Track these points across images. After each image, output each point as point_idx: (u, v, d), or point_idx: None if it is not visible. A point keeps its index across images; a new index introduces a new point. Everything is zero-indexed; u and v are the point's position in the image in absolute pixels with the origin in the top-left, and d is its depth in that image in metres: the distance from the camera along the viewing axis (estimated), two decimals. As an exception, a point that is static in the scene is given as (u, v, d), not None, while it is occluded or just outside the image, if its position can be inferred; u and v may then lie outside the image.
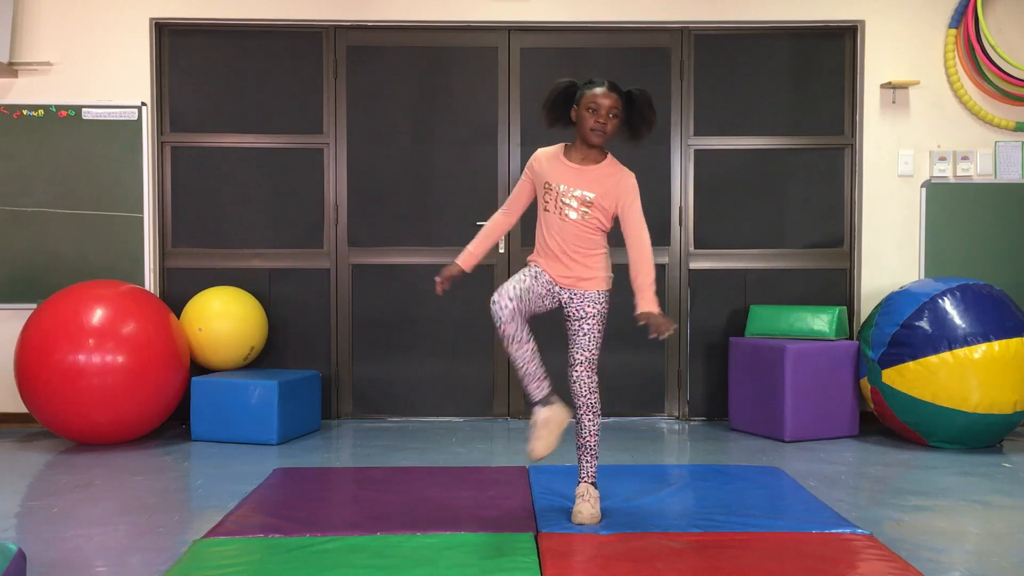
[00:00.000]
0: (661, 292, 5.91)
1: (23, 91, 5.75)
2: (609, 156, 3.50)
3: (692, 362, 5.97)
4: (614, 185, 3.44)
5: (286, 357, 5.92)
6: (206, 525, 3.55)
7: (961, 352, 4.94)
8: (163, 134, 5.86)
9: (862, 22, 5.82)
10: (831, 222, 5.96)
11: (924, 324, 5.05)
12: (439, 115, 5.94)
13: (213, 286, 5.70)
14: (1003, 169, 5.84)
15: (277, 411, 5.22)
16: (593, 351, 3.47)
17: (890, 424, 5.30)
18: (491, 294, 6.11)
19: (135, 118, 5.73)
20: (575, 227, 3.43)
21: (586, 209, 3.42)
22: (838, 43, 5.92)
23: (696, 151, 5.94)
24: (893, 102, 5.83)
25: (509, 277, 3.52)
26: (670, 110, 5.91)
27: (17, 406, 5.56)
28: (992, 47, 5.72)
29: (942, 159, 5.83)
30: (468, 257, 3.54)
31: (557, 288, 3.47)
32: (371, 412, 5.98)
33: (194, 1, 5.77)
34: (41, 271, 5.72)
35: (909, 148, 5.85)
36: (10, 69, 5.68)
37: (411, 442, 5.32)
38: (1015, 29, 5.82)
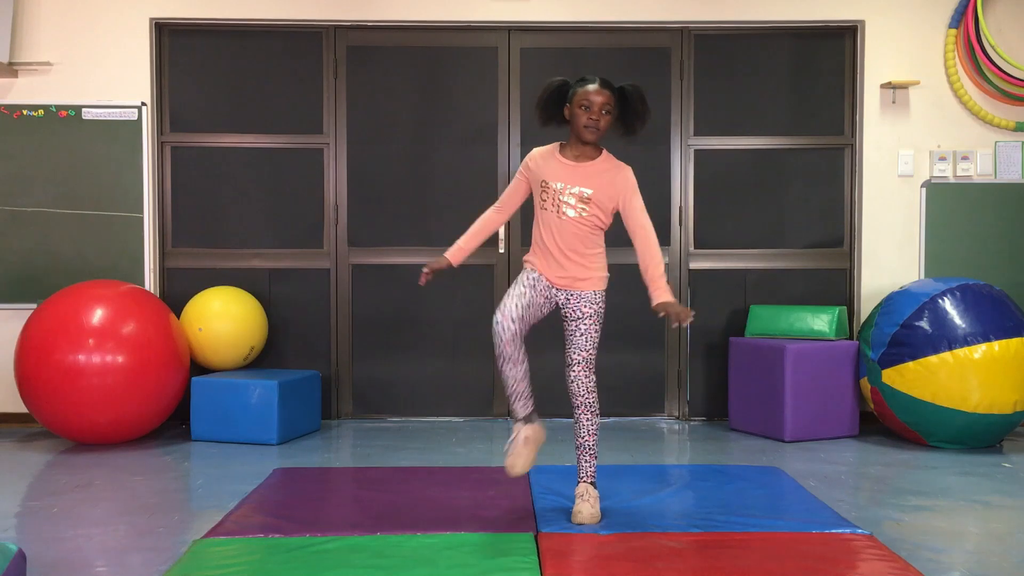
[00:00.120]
0: (661, 292, 5.92)
1: (23, 91, 5.75)
2: (604, 152, 3.50)
3: (692, 362, 5.97)
4: (611, 180, 3.45)
5: (286, 357, 5.92)
6: (206, 525, 3.55)
7: (961, 352, 4.94)
8: (163, 134, 5.86)
9: (862, 22, 5.82)
10: (831, 222, 5.96)
11: (924, 324, 5.05)
12: (439, 115, 5.94)
13: (213, 286, 5.70)
14: (1003, 169, 5.85)
15: (277, 411, 5.22)
16: (591, 351, 3.47)
17: (890, 424, 5.30)
18: (491, 294, 6.14)
19: (135, 118, 5.73)
20: (573, 225, 3.43)
21: (584, 206, 3.42)
22: (838, 43, 5.92)
23: (696, 151, 5.94)
24: (893, 102, 5.83)
25: (509, 278, 3.53)
26: (670, 110, 5.92)
27: (17, 406, 5.56)
28: (992, 47, 5.72)
29: (942, 159, 5.83)
30: (457, 252, 3.54)
31: (554, 290, 3.48)
32: (371, 412, 5.99)
33: (194, 1, 5.77)
34: (41, 271, 5.72)
35: (909, 148, 5.85)
36: (10, 69, 5.68)
37: (411, 442, 5.32)
38: (1015, 29, 5.82)
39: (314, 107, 5.90)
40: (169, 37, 5.85)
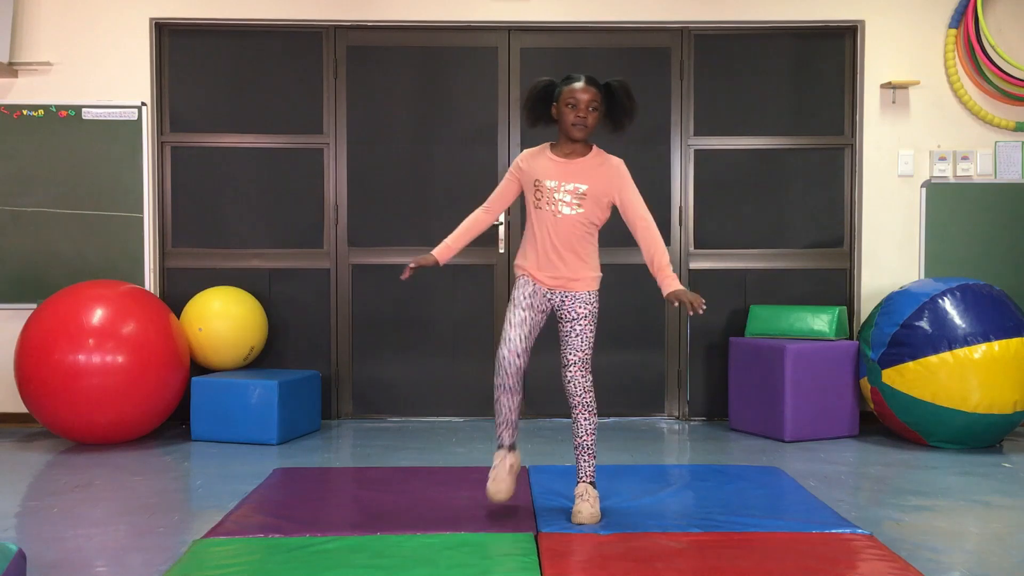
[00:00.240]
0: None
1: (23, 91, 5.75)
2: (594, 148, 3.52)
3: (692, 362, 5.97)
4: (604, 174, 3.47)
5: (286, 357, 5.92)
6: (206, 525, 3.55)
7: (961, 352, 4.94)
8: (163, 134, 5.86)
9: (862, 22, 5.82)
10: (831, 222, 5.96)
11: (924, 324, 5.05)
12: (439, 115, 5.94)
13: (213, 286, 5.70)
14: (1003, 169, 5.85)
15: (277, 411, 5.22)
16: (587, 351, 3.48)
17: (890, 424, 5.30)
18: (491, 294, 6.13)
19: (135, 118, 5.73)
20: (569, 223, 3.43)
21: (579, 203, 3.42)
22: (838, 43, 5.92)
23: (696, 151, 5.94)
24: (893, 102, 5.83)
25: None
26: (670, 110, 5.92)
27: (17, 406, 5.56)
28: (992, 47, 5.72)
29: (942, 159, 5.83)
30: (445, 251, 3.55)
31: (548, 294, 3.48)
32: (371, 412, 5.99)
33: (194, 1, 5.78)
34: (41, 271, 5.72)
35: (909, 148, 5.85)
36: (10, 69, 5.68)
37: (411, 442, 5.32)
38: (1015, 29, 5.82)
39: (314, 107, 5.90)
40: (169, 37, 5.85)
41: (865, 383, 5.31)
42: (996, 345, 4.95)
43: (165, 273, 5.87)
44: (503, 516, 3.55)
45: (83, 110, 5.72)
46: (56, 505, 4.01)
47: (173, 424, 5.65)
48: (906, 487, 4.36)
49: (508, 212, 5.66)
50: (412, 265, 3.49)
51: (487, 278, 5.84)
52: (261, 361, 5.86)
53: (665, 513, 3.61)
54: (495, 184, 5.80)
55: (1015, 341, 4.98)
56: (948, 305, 5.08)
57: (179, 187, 5.89)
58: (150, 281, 5.76)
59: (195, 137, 5.89)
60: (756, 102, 5.94)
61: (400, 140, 5.94)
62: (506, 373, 3.45)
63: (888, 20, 5.82)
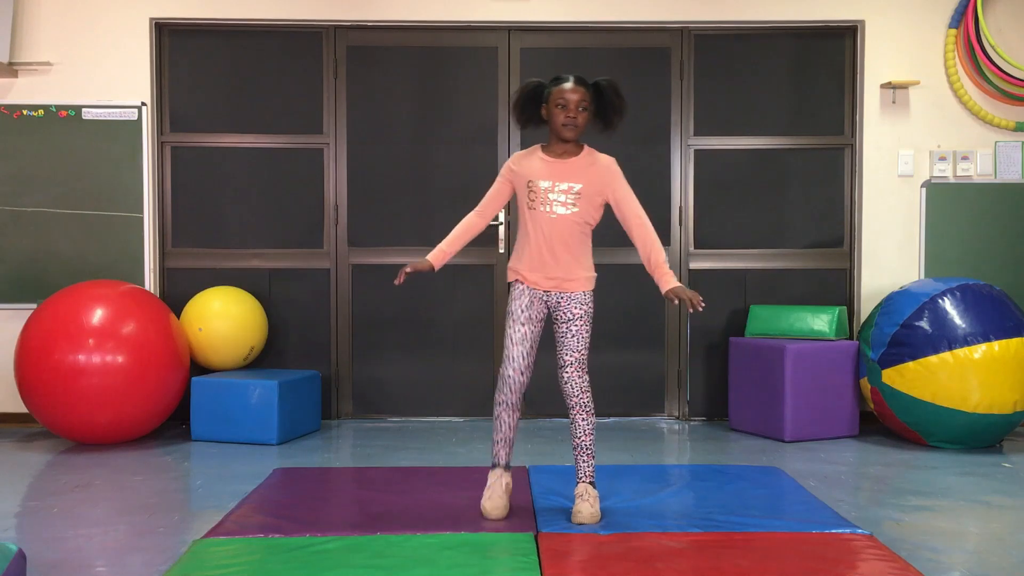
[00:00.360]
0: (661, 292, 5.92)
1: (23, 91, 5.75)
2: (586, 147, 3.53)
3: (692, 362, 5.97)
4: (597, 173, 3.48)
5: (286, 357, 5.92)
6: (206, 525, 3.55)
7: (961, 352, 4.94)
8: (163, 134, 5.86)
9: (862, 22, 5.82)
10: (831, 222, 5.96)
11: (924, 324, 5.05)
12: (439, 115, 5.94)
13: (213, 286, 5.70)
14: (1003, 169, 5.85)
15: (277, 411, 5.22)
16: (583, 351, 3.48)
17: (890, 424, 5.30)
18: (491, 294, 6.13)
19: (135, 118, 5.73)
20: (564, 223, 3.44)
21: (574, 203, 3.43)
22: (838, 43, 5.92)
23: (696, 151, 5.94)
24: (893, 102, 5.83)
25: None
26: (670, 110, 5.92)
27: (17, 406, 5.56)
28: (992, 47, 5.72)
29: (942, 159, 5.83)
30: (440, 256, 3.53)
31: (544, 297, 3.49)
32: (371, 412, 5.99)
33: (194, 1, 5.78)
34: (41, 271, 5.72)
35: (909, 148, 5.85)
36: (10, 69, 5.68)
37: (411, 442, 5.32)
38: (1015, 29, 5.82)
39: (314, 107, 5.90)
40: (169, 37, 5.85)
41: (865, 383, 5.31)
42: (996, 345, 4.95)
43: (165, 273, 5.87)
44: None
45: (83, 110, 5.72)
46: (56, 505, 4.02)
47: (173, 424, 5.65)
48: (906, 487, 4.36)
49: (508, 211, 5.66)
50: (408, 270, 3.48)
51: (487, 278, 5.84)
52: (261, 361, 5.86)
53: (665, 513, 3.61)
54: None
55: (1015, 341, 4.98)
56: (948, 305, 5.08)
57: (179, 187, 5.89)
58: (150, 281, 5.76)
59: (195, 137, 5.89)
60: (756, 102, 5.94)
61: (400, 140, 5.94)
62: (510, 390, 3.50)
63: (888, 20, 5.82)
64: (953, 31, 5.77)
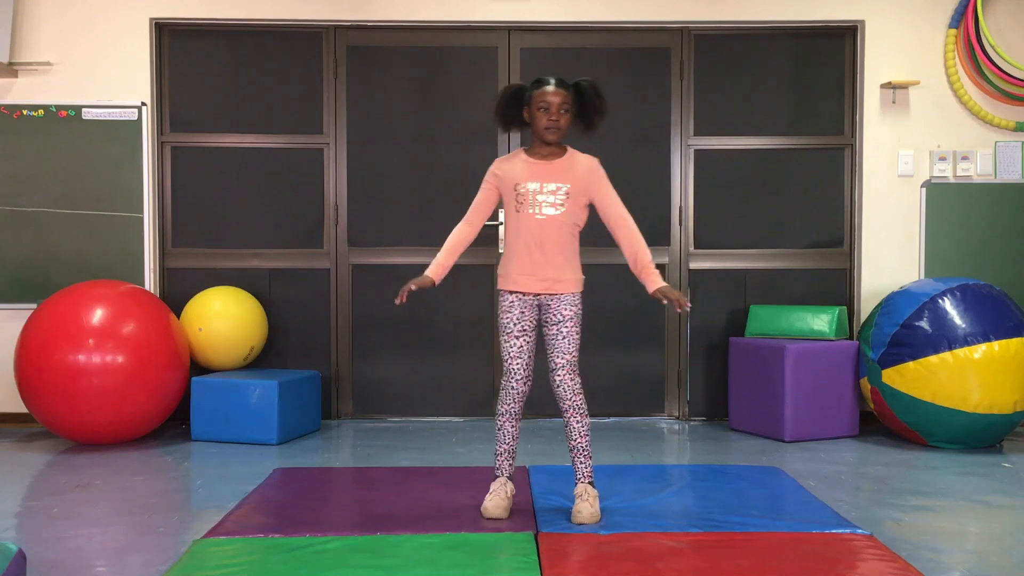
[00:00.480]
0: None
1: (23, 91, 5.75)
2: (569, 148, 3.54)
3: (692, 362, 5.97)
4: (582, 173, 3.49)
5: (286, 357, 5.92)
6: (206, 525, 3.55)
7: (961, 352, 4.94)
8: (163, 134, 5.86)
9: (862, 22, 5.82)
10: (831, 222, 5.96)
11: (924, 324, 5.05)
12: (439, 115, 5.94)
13: (213, 286, 5.70)
14: (1003, 169, 5.85)
15: (277, 411, 5.22)
16: (573, 353, 3.49)
17: (890, 424, 5.30)
18: (491, 294, 6.13)
19: (135, 118, 5.73)
20: (552, 224, 3.45)
21: (562, 203, 3.44)
22: (838, 43, 5.92)
23: (696, 151, 5.94)
24: (893, 102, 5.83)
25: None
26: (670, 110, 5.92)
27: (17, 406, 5.56)
28: (992, 47, 5.72)
29: (942, 159, 5.83)
30: (439, 270, 3.53)
31: (534, 300, 3.49)
32: (371, 412, 5.99)
33: (194, 1, 5.78)
34: (41, 271, 5.72)
35: (909, 148, 5.85)
36: (10, 69, 5.68)
37: (411, 442, 5.32)
38: (1015, 29, 5.82)
39: (314, 107, 5.90)
40: (169, 37, 5.85)
41: (865, 383, 5.31)
42: (996, 345, 4.94)
43: (165, 273, 5.87)
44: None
45: (83, 110, 5.72)
46: (56, 505, 4.01)
47: (173, 424, 5.65)
48: (906, 487, 4.36)
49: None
50: (412, 287, 3.46)
51: (487, 278, 5.84)
52: (261, 361, 5.86)
53: (665, 513, 3.61)
54: (495, 184, 5.83)
55: (1015, 341, 4.98)
56: (948, 305, 5.08)
57: (179, 187, 5.89)
58: (150, 281, 5.76)
59: (195, 137, 5.89)
60: (756, 102, 5.94)
61: (400, 140, 5.94)
62: (513, 400, 3.53)
63: (888, 20, 5.82)
64: (953, 31, 5.77)
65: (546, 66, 5.71)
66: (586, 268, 5.77)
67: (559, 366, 3.48)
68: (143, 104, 5.74)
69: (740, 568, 3.00)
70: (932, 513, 3.91)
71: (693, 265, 5.94)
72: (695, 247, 5.94)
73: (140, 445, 5.23)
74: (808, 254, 5.96)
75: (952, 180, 5.85)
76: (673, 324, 5.96)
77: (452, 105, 5.94)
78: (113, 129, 5.73)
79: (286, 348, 5.93)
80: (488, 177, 3.57)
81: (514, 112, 3.52)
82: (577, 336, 3.50)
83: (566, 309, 3.48)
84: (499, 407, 3.57)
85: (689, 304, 3.42)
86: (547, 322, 3.51)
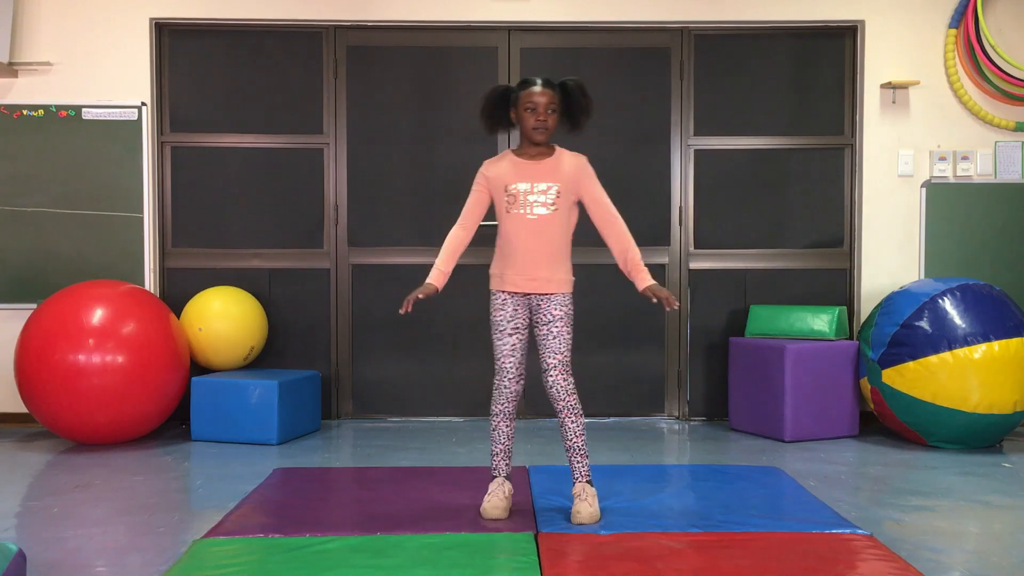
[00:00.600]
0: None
1: (23, 91, 5.75)
2: (557, 147, 3.55)
3: (692, 362, 5.97)
4: (571, 171, 3.50)
5: (286, 357, 5.92)
6: (206, 525, 3.56)
7: (961, 352, 4.94)
8: (163, 134, 5.86)
9: (862, 22, 5.82)
10: (831, 222, 5.96)
11: (924, 324, 5.05)
12: (439, 115, 5.94)
13: (213, 286, 5.70)
14: (1003, 169, 5.85)
15: (277, 411, 5.22)
16: (566, 353, 3.49)
17: (890, 424, 5.30)
18: (491, 293, 6.10)
19: (135, 118, 5.73)
20: (544, 223, 3.46)
21: (553, 203, 3.45)
22: (838, 43, 5.92)
23: (696, 151, 5.94)
24: (893, 102, 5.83)
25: None
26: (670, 110, 5.92)
27: (17, 406, 5.56)
28: (992, 47, 5.72)
29: (942, 159, 5.83)
30: (441, 276, 3.54)
31: (526, 300, 3.50)
32: (371, 412, 5.99)
33: (194, 1, 5.78)
34: (41, 271, 5.72)
35: (909, 148, 5.85)
36: (10, 69, 5.68)
37: (411, 442, 5.32)
38: (1015, 29, 5.82)
39: (314, 107, 5.90)
40: (169, 37, 5.85)
41: (865, 383, 5.31)
42: (996, 345, 4.94)
43: (165, 273, 5.87)
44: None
45: (83, 110, 5.72)
46: (56, 505, 4.02)
47: (173, 424, 5.65)
48: (906, 487, 4.36)
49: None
50: (420, 295, 3.46)
51: (487, 278, 5.83)
52: (261, 361, 5.86)
53: (665, 513, 3.61)
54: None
55: (1015, 341, 4.98)
56: (948, 305, 5.08)
57: (179, 187, 5.89)
58: (150, 281, 5.76)
59: (195, 137, 5.89)
60: (756, 102, 5.94)
61: (400, 140, 5.94)
62: (506, 400, 3.55)
63: (888, 20, 5.82)
64: (953, 31, 5.77)
65: (546, 66, 5.72)
66: (585, 268, 5.78)
67: (551, 366, 3.48)
68: (143, 104, 5.74)
69: (740, 568, 3.01)
70: (932, 513, 3.91)
71: (693, 265, 5.94)
72: (695, 247, 5.94)
73: (140, 445, 5.23)
74: (808, 254, 5.96)
75: (952, 180, 5.85)
76: (673, 324, 5.96)
77: (452, 105, 5.93)
78: (113, 129, 5.73)
79: (286, 348, 5.93)
80: (478, 179, 3.57)
81: (500, 113, 3.52)
82: (568, 336, 3.50)
83: (556, 309, 3.48)
84: (493, 407, 3.58)
85: (677, 303, 3.42)
86: (538, 322, 3.51)
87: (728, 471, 4.35)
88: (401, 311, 3.45)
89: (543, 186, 3.46)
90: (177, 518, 3.84)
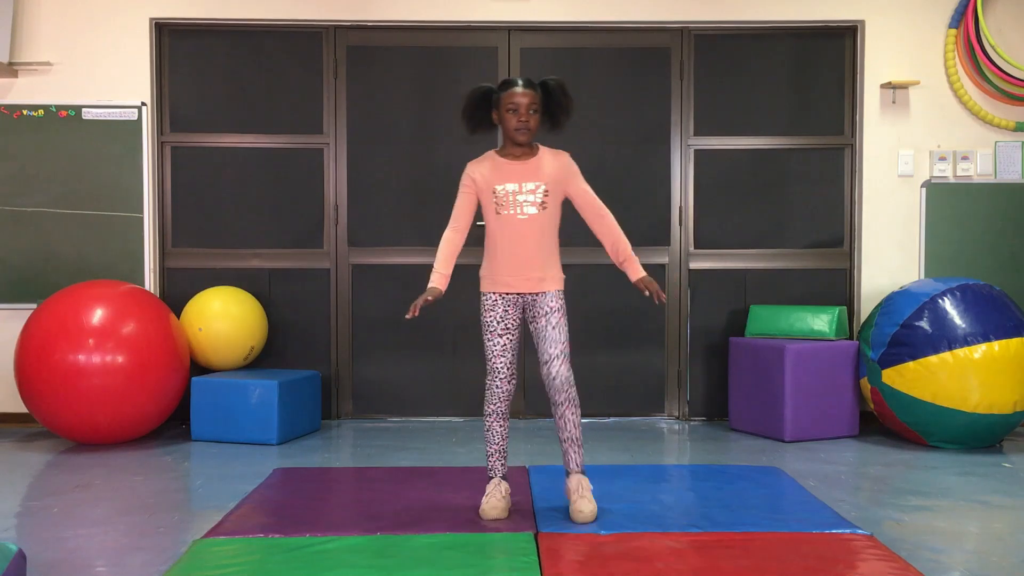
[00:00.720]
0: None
1: (23, 91, 5.75)
2: (539, 146, 3.56)
3: (692, 362, 5.97)
4: (557, 169, 3.51)
5: (286, 357, 5.92)
6: (206, 525, 3.56)
7: (961, 352, 4.94)
8: (163, 134, 5.86)
9: (862, 22, 5.82)
10: (831, 222, 5.96)
11: (924, 324, 5.05)
12: (439, 115, 5.94)
13: (213, 286, 5.70)
14: (1003, 169, 5.85)
15: (277, 411, 5.22)
16: (566, 344, 3.49)
17: (890, 424, 5.30)
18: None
19: (135, 118, 5.73)
20: (534, 222, 3.46)
21: (543, 201, 3.46)
22: (838, 43, 5.92)
23: (696, 151, 5.94)
24: (893, 102, 5.83)
25: None
26: (670, 110, 5.91)
27: (17, 406, 5.56)
28: (992, 47, 5.72)
29: (942, 159, 5.83)
30: (443, 279, 3.52)
31: (518, 299, 3.50)
32: (371, 412, 5.99)
33: (194, 1, 5.78)
34: (41, 271, 5.72)
35: (909, 148, 5.85)
36: (10, 69, 5.68)
37: (411, 442, 5.32)
38: (1015, 29, 5.82)
39: (314, 107, 5.90)
40: (169, 37, 5.85)
41: (865, 383, 5.31)
42: (996, 345, 4.94)
43: (165, 273, 5.87)
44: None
45: (83, 110, 5.72)
46: (56, 505, 4.02)
47: (173, 424, 5.65)
48: (906, 487, 4.36)
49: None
50: (429, 298, 3.43)
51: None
52: (261, 361, 5.86)
53: (665, 513, 3.61)
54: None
55: (1015, 341, 4.98)
56: (948, 305, 5.08)
57: (179, 187, 5.89)
58: (150, 281, 5.76)
59: (195, 137, 5.89)
60: (756, 102, 5.94)
61: (400, 140, 5.94)
62: (499, 400, 3.53)
63: (888, 20, 5.82)
64: (953, 31, 5.77)
65: (546, 66, 5.72)
66: (585, 268, 5.79)
67: (553, 357, 3.46)
68: (143, 104, 5.74)
69: (740, 568, 3.01)
70: (932, 513, 3.91)
71: (693, 265, 5.94)
72: (695, 247, 5.94)
73: (140, 445, 5.23)
74: (808, 254, 5.96)
75: (952, 180, 5.85)
76: (673, 324, 5.96)
77: (452, 105, 5.84)
78: (113, 129, 5.73)
79: (286, 348, 5.93)
80: (465, 182, 3.57)
81: (482, 114, 3.52)
82: (566, 328, 3.50)
83: (552, 302, 3.49)
84: (486, 407, 3.57)
85: (665, 297, 3.46)
86: (534, 317, 3.50)
87: (728, 471, 4.34)
88: (408, 316, 3.43)
89: (531, 186, 3.46)
90: (177, 518, 3.84)
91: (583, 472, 3.54)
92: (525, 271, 3.47)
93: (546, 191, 3.47)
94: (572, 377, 3.49)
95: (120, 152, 5.74)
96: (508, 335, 3.51)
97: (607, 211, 3.54)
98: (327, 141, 5.90)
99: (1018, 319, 5.07)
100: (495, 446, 3.59)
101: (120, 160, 5.74)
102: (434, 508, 3.67)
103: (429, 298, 3.46)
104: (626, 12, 5.81)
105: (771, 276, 5.95)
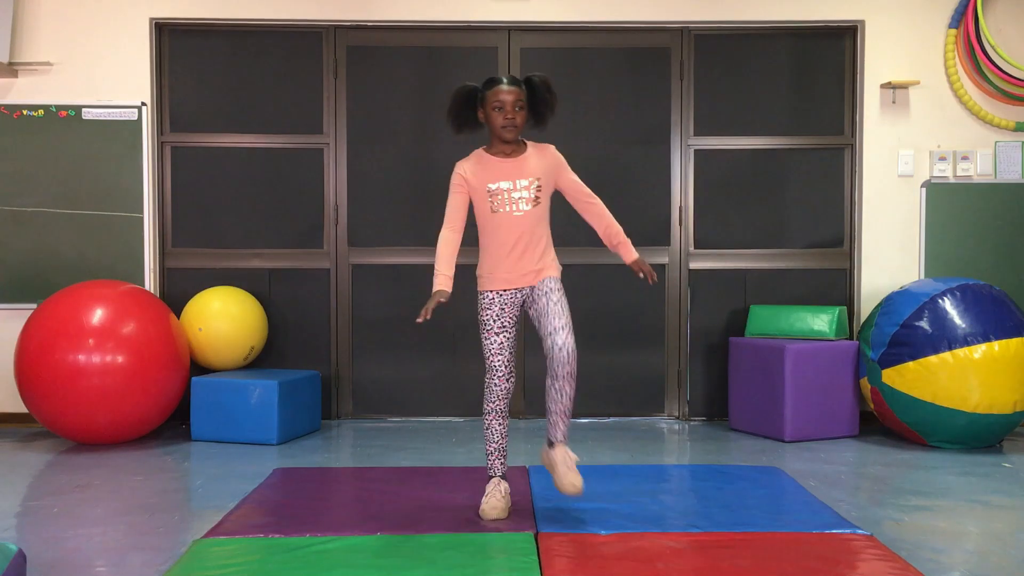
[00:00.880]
0: (661, 291, 5.92)
1: (23, 91, 5.75)
2: (526, 141, 3.57)
3: (692, 362, 5.97)
4: (547, 163, 3.53)
5: (286, 357, 5.92)
6: (206, 525, 3.56)
7: (961, 352, 4.94)
8: (163, 134, 5.86)
9: (862, 22, 5.82)
10: (831, 222, 5.96)
11: (924, 324, 5.05)
12: (439, 115, 5.88)
13: (213, 286, 5.70)
14: (1003, 169, 5.85)
15: (277, 411, 5.22)
16: (568, 317, 3.46)
17: (890, 424, 5.30)
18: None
19: (135, 118, 5.73)
20: (529, 218, 3.47)
21: (536, 196, 3.47)
22: (838, 43, 5.92)
23: (696, 151, 5.94)
24: (893, 102, 5.83)
25: None
26: (670, 110, 5.91)
27: (17, 406, 5.56)
28: (992, 47, 5.72)
29: (942, 159, 5.83)
30: (448, 281, 3.52)
31: (517, 294, 3.50)
32: (371, 412, 5.99)
33: (194, 1, 5.78)
34: (41, 271, 5.72)
35: (909, 148, 5.85)
36: (10, 69, 5.68)
37: (411, 442, 5.32)
38: (1015, 29, 5.82)
39: (314, 107, 5.90)
40: (169, 37, 5.85)
41: (865, 383, 5.31)
42: (996, 345, 4.95)
43: (165, 273, 5.87)
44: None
45: (83, 110, 5.72)
46: (56, 505, 4.02)
47: (173, 424, 5.65)
48: (906, 487, 4.36)
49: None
50: (441, 300, 3.45)
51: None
52: (261, 361, 5.86)
53: (665, 513, 3.61)
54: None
55: (1015, 341, 4.98)
56: (948, 305, 5.08)
57: (179, 187, 5.89)
58: (150, 281, 5.76)
59: (195, 137, 5.89)
60: (756, 102, 5.94)
61: (400, 140, 5.94)
62: (498, 398, 3.53)
63: (888, 20, 5.82)
64: (953, 31, 5.77)
65: (546, 66, 5.71)
66: (585, 268, 5.79)
67: (559, 328, 3.40)
68: (143, 104, 5.74)
69: (740, 568, 3.01)
70: (932, 513, 3.91)
71: (693, 265, 5.94)
72: (695, 247, 5.94)
73: (140, 445, 5.23)
74: (808, 254, 5.96)
75: (952, 180, 5.85)
76: (673, 324, 5.96)
77: (452, 105, 5.92)
78: (113, 129, 5.73)
79: (286, 348, 5.93)
80: (457, 181, 3.56)
81: (468, 113, 3.53)
82: (568, 308, 3.47)
83: (551, 283, 3.49)
84: (485, 406, 3.56)
85: (655, 276, 3.53)
86: (535, 301, 3.48)
87: (728, 471, 4.35)
88: (419, 320, 3.45)
89: (524, 182, 3.47)
90: (177, 518, 3.84)
91: (565, 442, 3.50)
92: (524, 266, 3.48)
93: (539, 186, 3.48)
94: (576, 351, 3.44)
95: (120, 152, 5.74)
96: (505, 333, 3.51)
97: (596, 197, 3.58)
98: (327, 141, 5.90)
99: (1018, 319, 5.07)
100: (494, 444, 3.58)
101: (120, 160, 5.74)
102: (434, 508, 3.67)
103: (441, 300, 3.46)
104: (626, 12, 5.81)
105: (771, 276, 5.95)
